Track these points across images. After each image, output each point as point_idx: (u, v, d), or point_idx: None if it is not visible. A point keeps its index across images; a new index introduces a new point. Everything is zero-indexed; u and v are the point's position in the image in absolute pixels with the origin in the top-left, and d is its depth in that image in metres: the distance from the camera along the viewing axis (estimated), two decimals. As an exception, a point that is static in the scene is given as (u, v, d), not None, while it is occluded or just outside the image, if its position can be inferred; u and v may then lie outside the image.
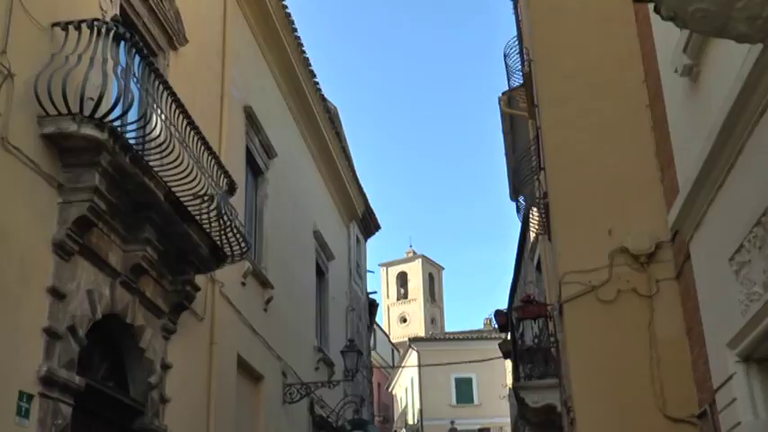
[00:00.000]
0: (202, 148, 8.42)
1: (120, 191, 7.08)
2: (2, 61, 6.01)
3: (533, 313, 11.70)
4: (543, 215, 10.00)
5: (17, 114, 6.15)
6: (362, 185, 21.71)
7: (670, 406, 6.75)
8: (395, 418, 45.41)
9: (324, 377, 15.89)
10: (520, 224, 17.54)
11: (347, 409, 18.20)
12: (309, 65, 15.62)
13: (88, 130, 6.43)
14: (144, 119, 7.28)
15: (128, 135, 7.09)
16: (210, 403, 9.68)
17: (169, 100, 7.71)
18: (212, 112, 10.58)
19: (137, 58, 7.27)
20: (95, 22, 6.79)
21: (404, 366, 45.74)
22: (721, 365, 5.26)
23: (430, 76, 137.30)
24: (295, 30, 14.46)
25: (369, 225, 23.99)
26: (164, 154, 7.44)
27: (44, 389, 6.14)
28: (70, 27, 6.74)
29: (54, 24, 6.75)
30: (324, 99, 17.22)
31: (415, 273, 69.41)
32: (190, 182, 7.81)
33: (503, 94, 14.91)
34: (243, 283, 11.46)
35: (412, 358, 44.34)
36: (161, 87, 7.59)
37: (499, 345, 18.37)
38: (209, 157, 8.62)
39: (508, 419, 30.00)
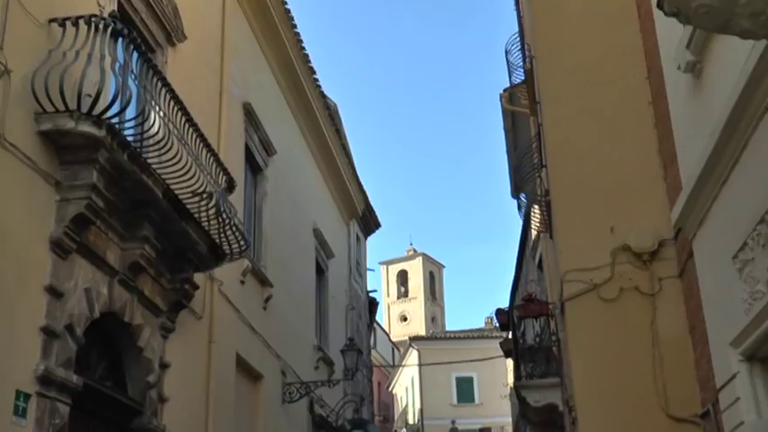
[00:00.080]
0: (201, 145, 8.39)
1: (118, 188, 7.04)
2: (-2, 57, 5.96)
3: (535, 312, 11.69)
4: (545, 213, 9.95)
5: (14, 111, 6.11)
6: (362, 183, 21.70)
7: (672, 405, 6.70)
8: (395, 418, 45.41)
9: (323, 376, 15.86)
10: (521, 222, 17.50)
11: (347, 409, 18.18)
12: (309, 61, 15.59)
13: (86, 127, 6.39)
14: (142, 116, 7.25)
15: (126, 132, 7.05)
16: (209, 402, 9.65)
17: (167, 97, 7.68)
18: (211, 109, 10.54)
19: (135, 55, 7.23)
20: (93, 18, 6.75)
21: (404, 365, 45.73)
22: (724, 364, 5.23)
23: (430, 73, 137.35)
24: (294, 26, 14.43)
25: (369, 223, 23.95)
26: (162, 151, 7.41)
27: (41, 388, 6.10)
28: (67, 23, 6.70)
29: (51, 20, 6.71)
30: (323, 96, 17.18)
31: (415, 271, 69.36)
32: (188, 179, 7.78)
33: (504, 90, 14.84)
34: (242, 282, 11.43)
35: (412, 357, 44.33)
36: (159, 84, 7.56)
37: (500, 343, 18.41)
38: (208, 155, 8.59)
39: (509, 419, 29.97)
